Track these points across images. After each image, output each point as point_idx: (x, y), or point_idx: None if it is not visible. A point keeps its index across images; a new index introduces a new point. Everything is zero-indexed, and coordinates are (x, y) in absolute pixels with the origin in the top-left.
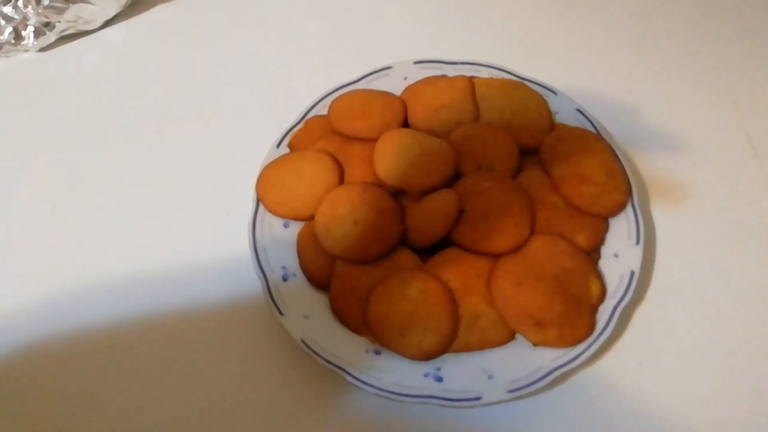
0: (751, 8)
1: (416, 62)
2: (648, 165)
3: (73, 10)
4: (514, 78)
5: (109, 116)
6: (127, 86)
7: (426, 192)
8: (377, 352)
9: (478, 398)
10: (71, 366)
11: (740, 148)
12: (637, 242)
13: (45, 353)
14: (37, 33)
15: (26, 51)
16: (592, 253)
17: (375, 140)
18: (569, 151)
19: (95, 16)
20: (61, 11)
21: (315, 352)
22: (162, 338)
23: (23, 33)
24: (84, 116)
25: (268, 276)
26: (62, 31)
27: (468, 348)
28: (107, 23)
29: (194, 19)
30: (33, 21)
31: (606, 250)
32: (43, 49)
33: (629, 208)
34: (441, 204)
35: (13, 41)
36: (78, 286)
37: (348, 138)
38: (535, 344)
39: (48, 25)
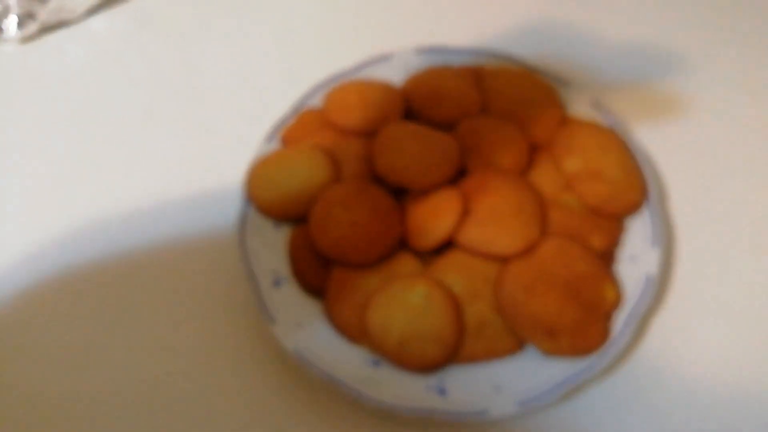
0: None
1: (418, 50)
2: (667, 162)
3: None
4: (524, 67)
5: (93, 108)
6: (112, 77)
7: (429, 190)
8: (376, 363)
9: (485, 412)
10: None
11: (764, 148)
12: (656, 244)
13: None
14: (20, 23)
15: (8, 42)
16: (607, 257)
17: (373, 134)
18: (583, 147)
19: (78, 5)
20: (43, 1)
21: (309, 363)
22: (147, 346)
23: (5, 23)
24: (67, 108)
25: (258, 281)
26: (45, 21)
27: (474, 358)
28: (90, 13)
29: (180, 6)
30: (15, 11)
31: (622, 253)
32: (25, 40)
33: (647, 208)
34: (445, 203)
35: None
36: (63, 282)
37: (344, 132)
38: (546, 354)
39: (30, 15)
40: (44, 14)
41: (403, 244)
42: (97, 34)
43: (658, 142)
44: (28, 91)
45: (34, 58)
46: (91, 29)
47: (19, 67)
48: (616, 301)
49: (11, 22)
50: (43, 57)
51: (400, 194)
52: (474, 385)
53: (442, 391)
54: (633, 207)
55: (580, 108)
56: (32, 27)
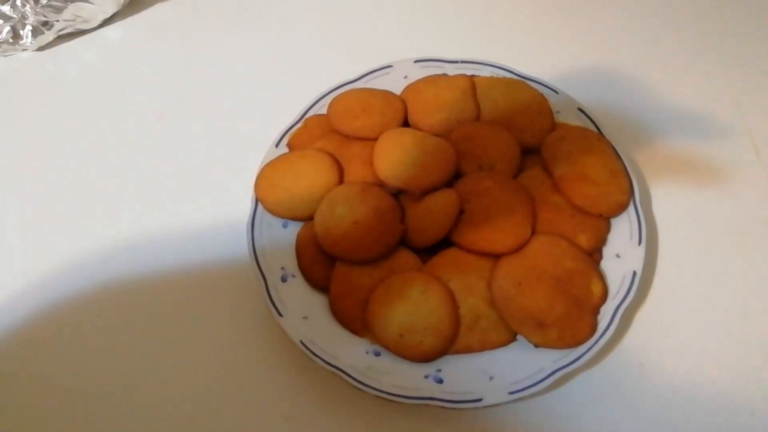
0: (753, 7)
1: (416, 61)
2: (650, 165)
3: (72, 9)
4: (515, 77)
5: (107, 115)
6: (125, 85)
7: (426, 192)
8: (377, 354)
9: (479, 400)
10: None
11: (743, 148)
12: (639, 242)
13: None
14: (35, 32)
15: (24, 50)
16: (594, 254)
17: (375, 139)
18: (571, 151)
19: (93, 15)
20: (59, 10)
21: (314, 354)
22: (160, 338)
23: (21, 32)
24: (82, 115)
25: (267, 277)
26: (60, 30)
27: (469, 349)
28: (105, 22)
29: (192, 17)
30: (31, 20)
31: (608, 251)
32: (41, 48)
33: (631, 208)
34: (441, 204)
35: (11, 40)
36: (74, 289)
37: (347, 137)
38: (536, 345)
39: (46, 24)
40: (60, 23)
41: (402, 242)
42: (111, 43)
43: (642, 146)
44: (43, 98)
45: (49, 65)
46: (105, 38)
47: (35, 74)
48: (603, 296)
49: (27, 30)
50: (58, 64)
51: (400, 195)
52: (469, 375)
53: (439, 380)
54: (618, 207)
55: (568, 114)
56: (48, 35)
